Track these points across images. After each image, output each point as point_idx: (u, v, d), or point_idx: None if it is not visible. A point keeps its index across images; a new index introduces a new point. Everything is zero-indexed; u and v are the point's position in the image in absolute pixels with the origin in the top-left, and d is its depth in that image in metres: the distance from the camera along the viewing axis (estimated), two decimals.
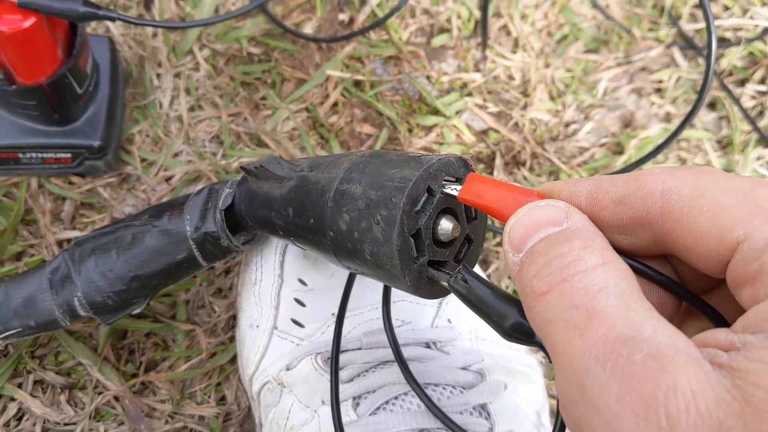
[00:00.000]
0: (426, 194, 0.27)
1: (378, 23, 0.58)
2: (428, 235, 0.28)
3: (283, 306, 0.40)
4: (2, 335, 0.40)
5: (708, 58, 0.39)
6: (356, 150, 0.32)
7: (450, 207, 0.28)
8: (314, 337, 0.39)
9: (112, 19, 0.42)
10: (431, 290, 0.29)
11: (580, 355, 0.17)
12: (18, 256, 0.48)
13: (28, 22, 0.41)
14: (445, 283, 0.28)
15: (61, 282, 0.40)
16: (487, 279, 0.27)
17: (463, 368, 0.37)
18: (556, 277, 0.19)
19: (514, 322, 0.25)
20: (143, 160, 0.52)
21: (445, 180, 0.28)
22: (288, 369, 0.38)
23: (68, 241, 0.49)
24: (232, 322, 0.47)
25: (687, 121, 0.41)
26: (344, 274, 0.40)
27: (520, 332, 0.25)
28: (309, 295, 0.40)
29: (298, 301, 0.40)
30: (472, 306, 0.27)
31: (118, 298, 0.39)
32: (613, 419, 0.16)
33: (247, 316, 0.41)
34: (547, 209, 0.21)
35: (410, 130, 0.57)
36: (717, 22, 0.63)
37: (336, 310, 0.39)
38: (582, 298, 0.18)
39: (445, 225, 0.28)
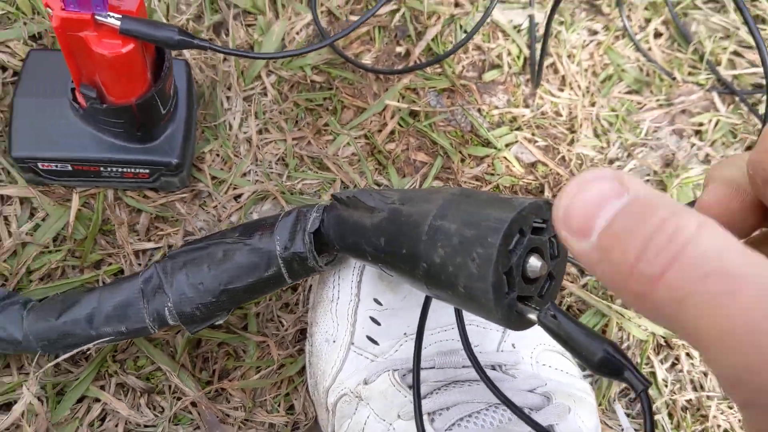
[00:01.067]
0: (518, 235, 0.30)
1: (436, 60, 0.62)
2: (518, 273, 0.30)
3: (360, 323, 0.42)
4: (97, 341, 0.42)
5: None
6: (444, 187, 0.35)
7: (537, 246, 0.31)
8: (388, 354, 0.41)
9: (205, 49, 0.45)
10: (518, 323, 0.31)
11: (745, 317, 0.16)
12: (97, 264, 0.51)
13: (127, 48, 0.43)
14: (533, 317, 0.30)
15: (153, 292, 0.42)
16: (572, 316, 0.30)
17: (530, 391, 0.39)
18: (668, 254, 0.17)
19: (601, 357, 0.28)
20: (214, 178, 0.55)
21: (534, 222, 0.31)
22: (366, 383, 0.40)
23: (144, 251, 0.52)
24: (299, 336, 0.50)
25: None
26: (416, 296, 0.43)
27: (608, 367, 0.28)
28: (384, 315, 0.43)
29: (373, 319, 0.43)
30: (560, 341, 0.29)
31: (206, 310, 0.42)
32: None
33: (323, 331, 0.44)
34: (599, 182, 0.19)
35: (462, 160, 0.60)
36: (755, 69, 0.66)
37: (408, 330, 0.42)
38: (709, 264, 0.17)
39: (534, 263, 0.31)
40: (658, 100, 0.65)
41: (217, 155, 0.56)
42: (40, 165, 0.50)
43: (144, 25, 0.43)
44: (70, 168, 0.51)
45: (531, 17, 0.66)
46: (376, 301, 0.43)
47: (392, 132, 0.60)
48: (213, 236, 0.43)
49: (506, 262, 0.30)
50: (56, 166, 0.51)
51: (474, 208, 0.32)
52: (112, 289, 0.43)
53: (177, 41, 0.44)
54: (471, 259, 0.30)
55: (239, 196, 0.55)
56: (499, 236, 0.29)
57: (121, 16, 0.42)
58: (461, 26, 0.65)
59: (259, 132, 0.57)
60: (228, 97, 0.58)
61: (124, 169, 0.51)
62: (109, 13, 0.42)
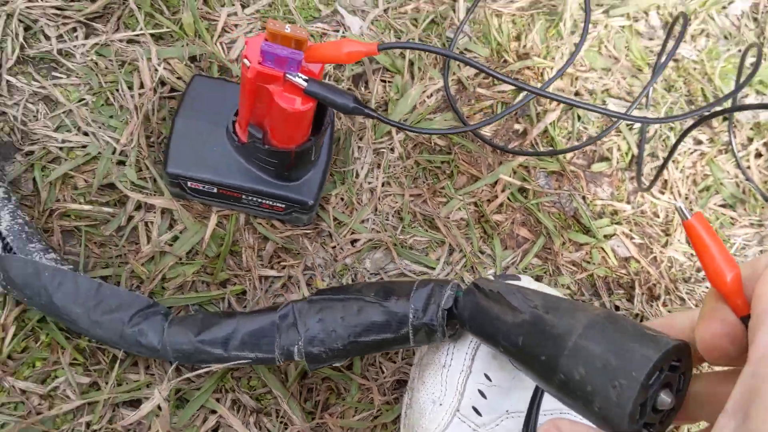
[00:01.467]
0: (657, 372, 0.34)
1: (552, 152, 0.66)
2: (650, 404, 0.34)
3: (467, 394, 0.46)
4: (227, 363, 0.47)
5: None
6: (588, 304, 0.39)
7: (669, 381, 0.35)
8: (489, 427, 0.45)
9: (374, 118, 0.49)
10: None
11: None
12: (223, 283, 0.55)
13: (306, 107, 0.48)
14: None
15: (287, 328, 0.47)
16: None
17: None
18: None
19: None
20: (335, 219, 0.60)
21: (672, 362, 0.35)
22: None
23: (266, 278, 0.56)
24: (396, 384, 0.54)
25: None
26: (523, 379, 0.47)
27: None
28: (491, 390, 0.46)
29: (480, 392, 0.46)
30: None
31: (332, 354, 0.46)
32: None
33: (430, 392, 0.48)
34: None
35: (563, 244, 0.63)
36: None
37: (510, 408, 0.46)
38: None
39: (665, 398, 0.34)
40: (750, 219, 0.68)
41: (341, 199, 0.61)
42: (189, 183, 0.55)
43: (326, 90, 0.47)
44: (215, 190, 0.55)
45: (644, 119, 0.70)
46: (486, 376, 0.47)
47: (501, 204, 0.64)
48: (350, 290, 0.47)
49: (644, 396, 0.33)
50: (203, 187, 0.55)
51: (620, 338, 0.35)
52: (250, 318, 0.48)
53: (351, 108, 0.48)
54: (612, 386, 0.34)
55: (356, 241, 0.59)
56: (644, 373, 0.33)
57: (308, 78, 0.47)
58: (579, 116, 0.69)
59: (382, 184, 0.62)
60: (359, 147, 0.63)
61: (263, 200, 0.56)
62: (298, 73, 0.46)
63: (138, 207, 0.57)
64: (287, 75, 0.46)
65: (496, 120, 0.56)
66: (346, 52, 0.46)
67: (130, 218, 0.56)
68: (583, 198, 0.66)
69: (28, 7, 0.60)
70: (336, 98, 0.48)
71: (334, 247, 0.59)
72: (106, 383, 0.49)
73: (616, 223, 0.65)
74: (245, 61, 0.46)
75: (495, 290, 0.42)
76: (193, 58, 0.63)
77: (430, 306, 0.45)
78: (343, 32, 0.68)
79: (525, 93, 0.69)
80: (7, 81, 0.58)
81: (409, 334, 0.45)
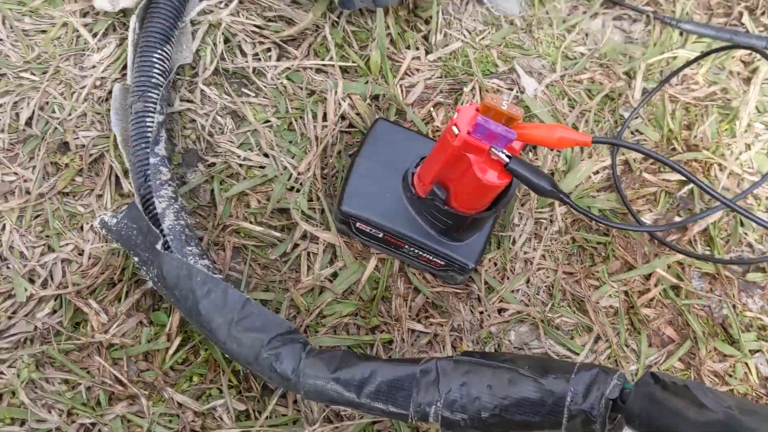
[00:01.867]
0: None
1: (711, 259, 0.64)
2: None
3: None
4: (357, 408, 0.46)
5: None
6: None
7: None
8: None
9: (564, 202, 0.49)
10: None
11: None
12: (373, 329, 0.56)
13: (502, 182, 0.48)
14: None
15: (427, 386, 0.46)
16: None
17: None
18: None
19: None
20: (486, 284, 0.60)
21: None
22: None
23: (412, 331, 0.57)
24: None
25: None
26: None
27: None
28: None
29: None
30: None
31: (471, 423, 0.45)
32: None
33: None
34: None
35: (708, 351, 0.62)
36: None
37: None
38: None
39: None
40: None
41: (495, 264, 0.61)
42: (357, 224, 0.56)
43: (526, 169, 0.47)
44: (380, 235, 0.56)
45: None
46: None
47: (652, 298, 0.63)
48: (501, 357, 0.46)
49: None
50: (370, 230, 0.56)
51: None
52: (390, 365, 0.47)
53: (548, 192, 0.48)
54: None
55: (504, 310, 0.59)
56: None
57: (510, 155, 0.47)
58: (742, 222, 0.67)
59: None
60: (520, 214, 0.62)
61: (424, 254, 0.56)
62: (503, 149, 0.46)
63: (304, 236, 0.58)
64: (492, 149, 0.46)
65: (679, 226, 0.55)
66: (558, 137, 0.46)
67: (295, 246, 0.57)
68: (734, 307, 0.64)
69: (232, 21, 0.62)
70: (534, 179, 0.48)
71: (481, 312, 0.59)
72: (258, 412, 0.50)
73: (763, 339, 0.63)
74: (454, 128, 0.46)
75: (680, 383, 0.40)
76: (374, 97, 0.64)
77: (592, 392, 0.43)
78: (517, 92, 0.68)
79: (695, 191, 0.67)
80: (202, 90, 0.60)
81: (563, 418, 0.44)
